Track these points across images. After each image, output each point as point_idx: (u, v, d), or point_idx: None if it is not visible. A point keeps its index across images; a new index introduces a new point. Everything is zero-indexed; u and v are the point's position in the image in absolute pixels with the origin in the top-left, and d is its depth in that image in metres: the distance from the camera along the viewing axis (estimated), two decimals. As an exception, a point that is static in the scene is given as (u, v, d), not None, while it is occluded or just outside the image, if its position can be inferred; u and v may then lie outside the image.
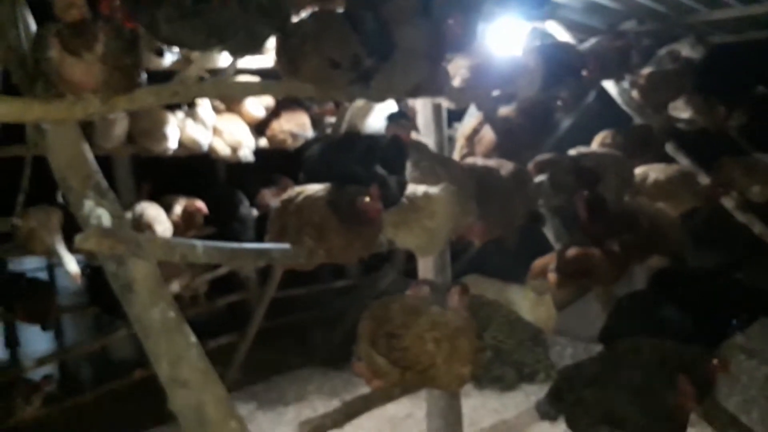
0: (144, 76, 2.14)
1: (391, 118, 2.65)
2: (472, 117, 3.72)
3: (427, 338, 2.17)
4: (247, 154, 4.09)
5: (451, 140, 3.99)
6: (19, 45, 2.09)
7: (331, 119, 4.53)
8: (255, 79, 3.38)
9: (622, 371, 2.42)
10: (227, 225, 4.30)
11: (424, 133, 3.78)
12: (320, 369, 5.53)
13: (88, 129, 3.47)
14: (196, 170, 4.95)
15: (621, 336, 2.62)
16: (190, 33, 2.18)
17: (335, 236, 2.30)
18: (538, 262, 3.09)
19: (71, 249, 3.15)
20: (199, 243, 2.01)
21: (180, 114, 3.90)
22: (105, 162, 4.31)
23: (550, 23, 3.99)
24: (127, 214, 3.91)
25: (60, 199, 3.27)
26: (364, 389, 2.37)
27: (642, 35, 4.33)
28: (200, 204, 4.12)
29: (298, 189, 2.43)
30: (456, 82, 3.20)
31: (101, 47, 1.89)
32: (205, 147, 3.97)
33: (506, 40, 3.61)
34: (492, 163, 3.02)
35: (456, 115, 4.01)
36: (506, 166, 2.95)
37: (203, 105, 3.91)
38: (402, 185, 2.55)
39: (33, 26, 2.15)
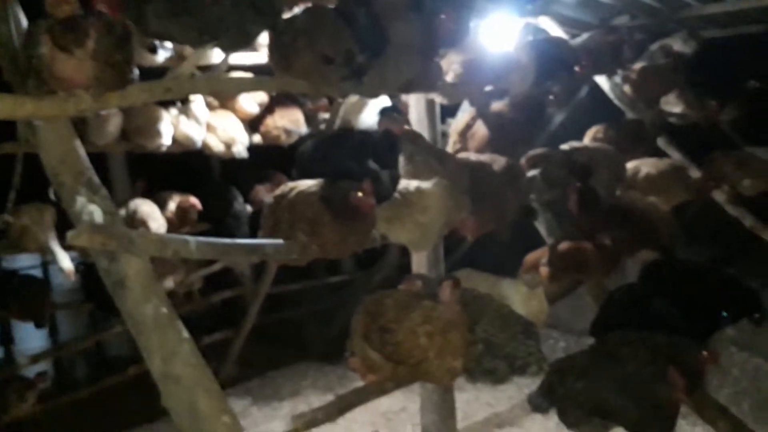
0: (136, 72, 2.14)
1: (383, 113, 2.66)
2: (465, 112, 3.73)
3: (419, 332, 2.19)
4: (240, 150, 4.09)
5: (445, 136, 4.00)
6: (11, 41, 2.09)
7: (325, 115, 4.53)
8: (248, 75, 3.38)
9: (613, 364, 2.44)
10: (221, 221, 4.30)
11: (418, 129, 3.78)
12: (315, 364, 5.55)
13: (81, 126, 3.51)
14: (190, 167, 4.95)
15: (612, 329, 2.64)
16: (182, 30, 2.18)
17: (328, 231, 2.31)
18: (531, 256, 3.11)
19: (65, 246, 3.16)
20: (191, 239, 2.01)
21: (173, 110, 3.90)
22: (100, 159, 4.34)
23: (543, 18, 4.00)
24: (121, 211, 3.93)
25: (52, 196, 3.26)
26: (359, 384, 2.39)
27: (634, 30, 4.35)
28: (194, 200, 4.12)
29: (291, 184, 2.44)
30: (449, 78, 3.21)
31: (92, 44, 1.88)
32: (199, 143, 3.97)
33: (499, 36, 3.62)
34: (485, 158, 3.03)
35: (449, 111, 4.02)
36: (499, 161, 2.97)
37: (197, 101, 3.91)
38: (394, 180, 2.56)
39: (24, 23, 2.15)
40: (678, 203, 3.60)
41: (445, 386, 4.06)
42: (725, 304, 2.82)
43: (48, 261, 5.16)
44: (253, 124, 4.36)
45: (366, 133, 2.78)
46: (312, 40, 2.40)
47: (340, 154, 2.50)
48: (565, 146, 3.51)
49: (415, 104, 3.82)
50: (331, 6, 2.59)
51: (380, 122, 2.67)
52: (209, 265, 4.69)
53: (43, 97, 1.91)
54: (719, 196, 3.98)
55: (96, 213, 1.91)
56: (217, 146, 4.02)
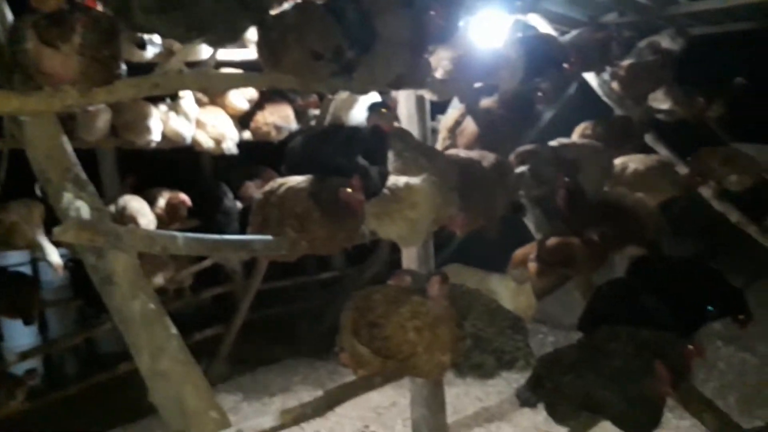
0: (124, 67, 2.14)
1: (372, 108, 2.66)
2: (455, 109, 3.74)
3: (408, 327, 2.20)
4: (230, 146, 4.08)
5: (435, 132, 4.01)
6: (-4, 37, 2.08)
7: (315, 111, 4.53)
8: (237, 71, 3.37)
9: (600, 358, 2.46)
10: (211, 217, 4.30)
11: (408, 126, 3.79)
12: (306, 360, 5.56)
13: (69, 122, 3.49)
14: (181, 163, 4.94)
15: (600, 324, 2.66)
16: (170, 25, 2.18)
17: (317, 227, 2.31)
18: (519, 252, 3.13)
19: (54, 242, 3.14)
20: (179, 235, 2.01)
21: (163, 107, 3.89)
22: (89, 155, 4.32)
23: (532, 15, 4.02)
24: (110, 208, 3.92)
25: (38, 192, 3.25)
26: (350, 379, 2.40)
27: (623, 27, 4.37)
28: (184, 197, 4.12)
29: (280, 181, 2.44)
30: (438, 74, 3.22)
31: (78, 38, 1.88)
32: (189, 140, 3.96)
33: (488, 33, 3.63)
34: (474, 154, 3.04)
35: (439, 108, 4.03)
36: (488, 158, 2.98)
37: (186, 98, 3.89)
38: (383, 176, 2.57)
39: (9, 17, 2.13)
40: (665, 199, 3.63)
41: (435, 381, 4.09)
42: (711, 299, 2.85)
43: (37, 258, 5.13)
44: (243, 121, 4.35)
45: (355, 129, 2.78)
46: (301, 35, 2.40)
47: (329, 150, 2.50)
48: (553, 143, 3.53)
49: (405, 101, 3.82)
50: (320, 2, 2.59)
51: (369, 118, 2.68)
52: (199, 262, 4.69)
53: (29, 93, 1.91)
54: (706, 191, 4.02)
55: (83, 209, 1.91)
56: (207, 142, 4.01)
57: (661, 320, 2.66)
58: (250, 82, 3.12)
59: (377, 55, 2.63)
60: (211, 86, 3.53)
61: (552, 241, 3.01)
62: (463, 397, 4.66)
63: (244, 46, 3.57)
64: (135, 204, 3.93)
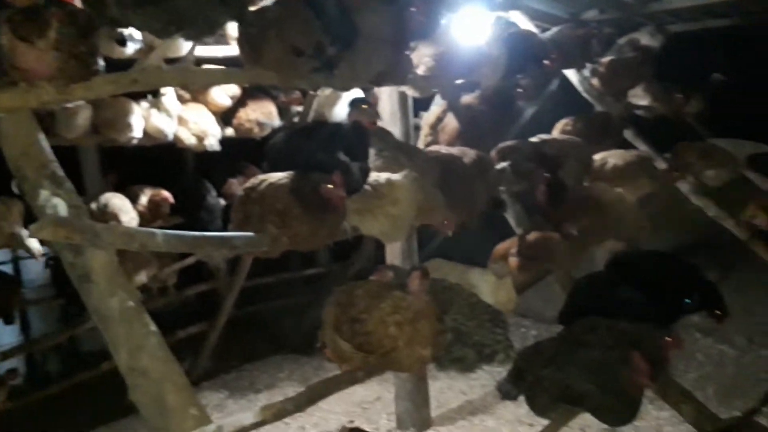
0: (102, 63, 2.12)
1: (353, 104, 2.67)
2: (438, 105, 3.75)
3: (389, 322, 2.21)
4: (213, 143, 4.07)
5: (417, 129, 4.03)
6: (-30, 32, 2.05)
7: (298, 108, 4.53)
8: (218, 67, 3.36)
9: (579, 351, 2.49)
10: (194, 215, 4.29)
11: (391, 122, 3.81)
12: (291, 356, 5.58)
13: (49, 119, 3.46)
14: (164, 160, 4.91)
15: (579, 317, 2.69)
16: (147, 19, 2.16)
17: (298, 223, 2.31)
18: (500, 247, 3.16)
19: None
20: (159, 232, 2.00)
21: (144, 103, 3.86)
22: (72, 152, 4.28)
23: (514, 12, 4.04)
24: (92, 205, 3.89)
25: (15, 190, 3.22)
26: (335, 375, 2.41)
27: (603, 24, 4.41)
28: (166, 194, 4.10)
29: (261, 177, 2.43)
30: (420, 71, 3.23)
31: (54, 33, 1.86)
32: (171, 137, 3.94)
33: (470, 30, 3.64)
34: (454, 150, 3.06)
35: (422, 104, 4.04)
36: (468, 154, 3.00)
37: (168, 94, 3.87)
38: (365, 172, 2.58)
39: (-16, 13, 2.11)
40: (644, 194, 3.68)
41: (418, 375, 4.12)
42: (688, 293, 2.89)
43: (19, 257, 5.09)
44: (225, 117, 4.33)
45: (336, 125, 2.79)
46: (281, 31, 2.40)
47: (310, 146, 2.50)
48: (534, 139, 3.56)
49: (387, 98, 3.84)
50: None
51: (350, 114, 2.69)
52: (183, 260, 4.67)
53: (4, 89, 1.89)
54: (684, 186, 4.07)
55: (60, 206, 1.90)
56: (189, 139, 3.99)
57: (639, 313, 2.70)
58: (230, 78, 3.11)
59: (358, 52, 2.63)
60: (191, 82, 3.51)
61: (532, 235, 3.04)
62: (447, 390, 4.69)
63: (225, 42, 3.56)
64: (117, 201, 3.91)
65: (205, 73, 2.91)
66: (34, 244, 3.06)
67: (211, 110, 4.13)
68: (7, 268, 4.91)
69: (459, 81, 3.40)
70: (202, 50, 3.57)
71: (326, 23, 2.50)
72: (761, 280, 5.32)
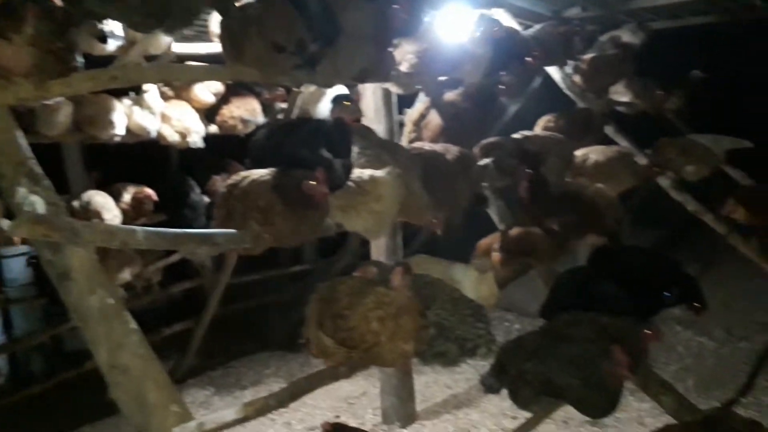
0: (80, 60, 2.11)
1: (335, 101, 2.67)
2: (421, 102, 3.77)
3: (371, 317, 2.22)
4: (196, 140, 4.05)
5: (402, 126, 4.04)
6: (-54, 28, 2.03)
7: (282, 105, 4.52)
8: (200, 64, 3.34)
9: (560, 344, 2.52)
10: (178, 212, 4.27)
11: (375, 119, 3.82)
12: (277, 353, 5.58)
13: (29, 116, 3.42)
14: (148, 158, 4.87)
15: (561, 311, 2.72)
16: (126, 12, 2.15)
17: (281, 220, 2.32)
18: (483, 242, 3.19)
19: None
20: (139, 229, 2.00)
21: (127, 100, 3.83)
22: (55, 150, 4.23)
23: (497, 10, 4.06)
24: (74, 203, 3.86)
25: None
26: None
27: (585, 22, 4.45)
28: (149, 191, 4.08)
29: (243, 174, 2.43)
30: (403, 68, 3.24)
31: (30, 29, 1.84)
32: (153, 134, 3.91)
33: (453, 27, 3.66)
34: (437, 147, 3.08)
35: (407, 101, 4.06)
36: (451, 150, 3.02)
37: (150, 91, 3.84)
38: (348, 168, 2.58)
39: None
40: (625, 189, 3.72)
41: (404, 370, 4.15)
42: (668, 286, 2.94)
43: (1, 255, 5.04)
44: (209, 114, 4.31)
45: (318, 122, 2.79)
46: (263, 28, 2.39)
47: (292, 143, 2.51)
48: (516, 135, 3.59)
49: (371, 95, 3.84)
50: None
51: (332, 110, 2.69)
52: (167, 257, 4.65)
53: (-20, 86, 1.87)
54: (664, 181, 4.13)
55: (38, 204, 1.89)
56: (172, 136, 3.97)
57: (619, 306, 2.74)
58: (212, 75, 3.10)
59: (341, 49, 2.63)
60: (172, 79, 3.48)
61: (515, 231, 3.07)
62: (432, 385, 4.72)
63: (208, 39, 3.54)
64: (99, 199, 3.88)
65: (186, 70, 2.89)
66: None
67: (194, 107, 4.11)
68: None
69: (442, 78, 3.41)
70: (184, 47, 3.55)
71: (308, 20, 2.50)
72: (740, 274, 5.41)
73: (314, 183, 2.30)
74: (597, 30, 4.48)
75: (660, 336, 2.58)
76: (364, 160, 2.80)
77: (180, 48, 3.54)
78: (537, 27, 3.93)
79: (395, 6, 2.80)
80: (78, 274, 1.87)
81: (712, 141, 4.18)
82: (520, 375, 2.54)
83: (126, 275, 4.17)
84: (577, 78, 4.22)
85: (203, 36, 3.62)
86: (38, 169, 1.97)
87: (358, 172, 2.65)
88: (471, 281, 2.67)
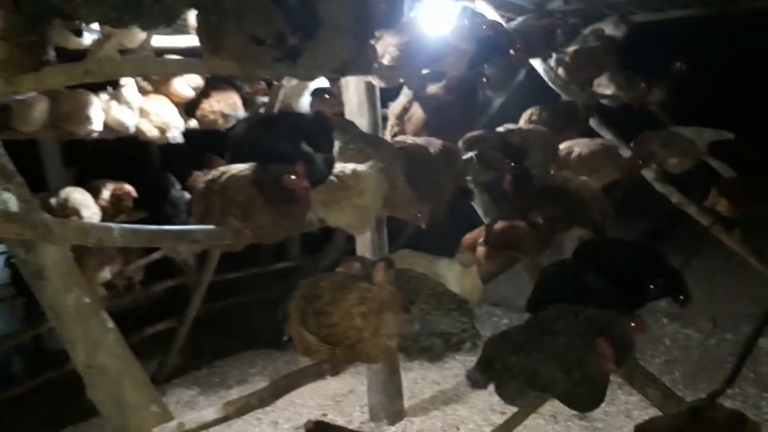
0: (53, 54, 2.05)
1: (315, 94, 2.64)
2: (404, 96, 3.74)
3: (354, 314, 2.19)
4: (175, 135, 3.99)
5: (386, 119, 4.00)
6: None
7: (264, 99, 4.46)
8: (176, 57, 3.29)
9: (545, 337, 2.51)
10: (158, 208, 4.20)
11: (358, 113, 3.78)
12: (263, 351, 5.53)
13: (5, 112, 3.34)
14: (128, 153, 4.80)
15: (546, 304, 2.71)
16: (99, 10, 2.09)
17: (261, 215, 2.28)
18: (468, 237, 3.17)
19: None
20: (115, 226, 1.95)
21: (104, 95, 3.76)
22: (33, 146, 4.15)
23: (479, 2, 4.03)
24: (52, 200, 3.79)
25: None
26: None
27: (568, 14, 4.44)
28: (128, 188, 4.02)
29: (222, 169, 2.39)
30: (385, 61, 3.20)
31: (0, 23, 1.79)
32: (132, 129, 3.85)
33: (436, 19, 3.63)
34: (420, 140, 3.05)
35: (391, 95, 4.02)
36: (434, 144, 3.00)
37: (128, 86, 3.78)
38: (329, 162, 2.55)
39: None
40: (609, 182, 3.72)
41: (391, 367, 4.13)
42: (653, 279, 2.94)
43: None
44: (189, 109, 4.25)
45: (298, 116, 2.76)
46: (241, 20, 2.35)
47: (272, 137, 2.47)
48: (500, 128, 3.57)
49: (355, 88, 3.80)
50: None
51: (312, 103, 2.65)
52: (149, 254, 4.58)
53: (-53, 80, 1.81)
54: (648, 174, 4.14)
55: (11, 201, 1.83)
56: (151, 132, 3.90)
57: (605, 299, 2.73)
58: (189, 69, 3.05)
59: (321, 41, 2.59)
60: (148, 73, 3.42)
61: (499, 225, 3.05)
62: (420, 381, 4.71)
63: (186, 32, 3.48)
64: (78, 196, 3.81)
65: (163, 64, 2.83)
66: None
67: (173, 102, 4.04)
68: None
69: (425, 71, 3.38)
70: (162, 40, 3.48)
71: (287, 12, 2.46)
72: (724, 265, 5.46)
73: (294, 177, 2.26)
74: (579, 23, 4.47)
75: (646, 329, 2.57)
76: (348, 154, 2.76)
77: (158, 41, 3.48)
78: (519, 19, 3.92)
79: (376, -2, 2.76)
80: (53, 272, 1.82)
81: (695, 133, 4.20)
82: (505, 369, 2.53)
83: (106, 274, 4.11)
84: (560, 71, 4.21)
85: (182, 29, 3.55)
86: (11, 166, 1.91)
87: (340, 167, 2.62)
88: (455, 275, 2.65)
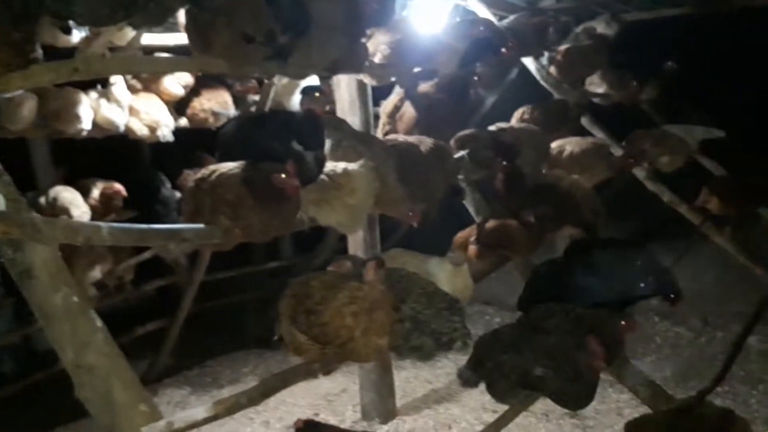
0: (40, 51, 2.03)
1: (305, 92, 2.63)
2: (396, 94, 3.73)
3: (345, 313, 2.19)
4: (165, 133, 3.96)
5: (378, 118, 4.00)
6: None
7: (255, 97, 4.44)
8: (165, 55, 3.26)
9: (536, 336, 2.52)
10: (149, 207, 4.18)
11: (350, 112, 3.77)
12: (255, 351, 5.51)
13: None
14: (118, 152, 4.77)
15: (538, 303, 2.72)
16: (93, 7, 2.07)
17: (251, 214, 2.27)
18: (460, 235, 3.17)
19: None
20: (104, 225, 1.94)
21: (93, 94, 3.73)
22: (22, 145, 4.11)
23: (472, 0, 4.03)
24: (41, 199, 3.76)
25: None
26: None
27: (560, 13, 4.44)
28: (118, 187, 3.99)
29: (211, 167, 2.38)
30: (377, 59, 3.20)
31: (-15, 20, 1.77)
32: (122, 128, 3.82)
33: (427, 17, 3.63)
34: (412, 139, 3.05)
35: (383, 93, 4.01)
36: (425, 143, 2.99)
37: (118, 84, 3.75)
38: (320, 161, 2.54)
39: None
40: (600, 180, 3.73)
41: (383, 366, 4.12)
42: (643, 278, 2.95)
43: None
44: (179, 107, 4.23)
45: (289, 114, 2.75)
46: (231, 18, 2.33)
47: (262, 135, 2.46)
48: (492, 127, 3.57)
49: (346, 87, 3.79)
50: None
51: (302, 102, 2.64)
52: (140, 254, 4.56)
53: (-68, 78, 1.79)
54: (639, 172, 4.15)
55: (-3, 200, 1.81)
56: (141, 130, 3.88)
57: (596, 298, 2.74)
58: (178, 67, 3.03)
59: (312, 39, 2.58)
60: (137, 71, 3.40)
61: (491, 223, 3.05)
62: (412, 380, 4.71)
63: (176, 30, 3.46)
64: (67, 195, 3.79)
65: (152, 62, 2.82)
66: None
67: (163, 100, 4.02)
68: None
69: (416, 69, 3.37)
70: (151, 38, 3.46)
71: (277, 10, 2.44)
72: (714, 264, 5.48)
73: (285, 176, 2.26)
74: (571, 21, 4.48)
75: (636, 327, 2.58)
76: (340, 152, 2.75)
77: (147, 39, 3.45)
78: (511, 18, 3.91)
79: (366, -6, 2.75)
80: (41, 272, 1.81)
81: (686, 132, 4.22)
82: (496, 367, 2.53)
83: (97, 273, 4.09)
84: (552, 69, 4.21)
85: (171, 26, 3.53)
86: (-3, 165, 1.90)
87: (331, 165, 2.61)
88: (446, 274, 2.65)
